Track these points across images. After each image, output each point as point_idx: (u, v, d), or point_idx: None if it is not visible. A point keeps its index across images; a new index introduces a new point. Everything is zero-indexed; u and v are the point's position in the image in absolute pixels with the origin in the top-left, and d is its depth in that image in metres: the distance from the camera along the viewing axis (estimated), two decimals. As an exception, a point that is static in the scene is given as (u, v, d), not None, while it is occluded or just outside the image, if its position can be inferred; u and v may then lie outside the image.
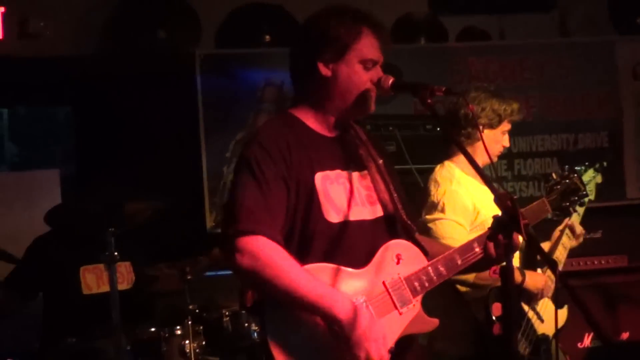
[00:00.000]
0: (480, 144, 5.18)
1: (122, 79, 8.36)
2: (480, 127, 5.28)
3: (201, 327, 6.61)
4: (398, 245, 3.74)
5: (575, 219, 5.63)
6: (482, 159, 5.23)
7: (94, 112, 8.74)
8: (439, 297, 4.79)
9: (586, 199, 5.55)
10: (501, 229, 3.20)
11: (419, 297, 3.72)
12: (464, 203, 5.03)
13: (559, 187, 4.94)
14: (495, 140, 5.38)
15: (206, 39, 8.83)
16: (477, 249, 3.75)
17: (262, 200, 3.55)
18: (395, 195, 3.87)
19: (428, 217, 5.13)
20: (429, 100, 3.48)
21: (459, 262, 3.79)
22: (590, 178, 5.58)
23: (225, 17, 8.82)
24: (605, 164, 5.86)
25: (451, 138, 5.38)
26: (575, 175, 5.05)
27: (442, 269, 3.75)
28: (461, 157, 5.20)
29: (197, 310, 6.79)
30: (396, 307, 3.61)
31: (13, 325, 7.28)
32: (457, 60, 8.77)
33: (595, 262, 8.06)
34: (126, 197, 6.65)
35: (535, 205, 4.84)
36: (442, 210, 5.09)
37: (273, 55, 8.45)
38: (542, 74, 8.91)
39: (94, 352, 6.33)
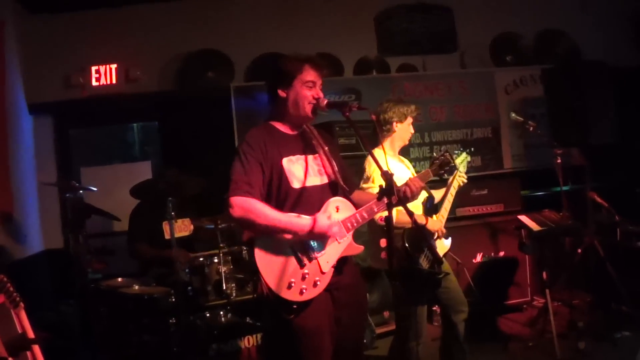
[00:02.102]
0: (396, 133, 6.45)
1: (188, 104, 9.94)
2: (395, 123, 6.37)
3: (229, 257, 7.74)
4: (337, 200, 4.66)
5: (462, 170, 6.68)
6: (399, 143, 6.53)
7: (172, 126, 10.31)
8: (372, 232, 6.69)
9: (458, 170, 6.61)
10: (384, 193, 4.18)
11: (351, 232, 4.64)
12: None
13: (437, 161, 5.77)
14: (404, 130, 6.47)
15: (238, 76, 10.37)
16: (386, 201, 4.29)
17: (245, 176, 4.45)
18: (337, 169, 4.76)
19: (364, 185, 6.12)
20: (347, 114, 4.49)
21: (375, 209, 4.65)
22: (464, 158, 6.74)
23: (250, 61, 10.39)
24: (472, 149, 6.97)
25: (377, 133, 6.32)
26: (447, 154, 5.84)
27: (365, 214, 4.64)
28: (385, 144, 6.40)
29: (225, 246, 7.80)
30: (336, 239, 4.57)
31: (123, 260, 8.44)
32: (396, 85, 10.50)
33: (483, 209, 9.47)
34: (183, 179, 7.74)
35: (424, 172, 5.72)
36: (372, 181, 6.12)
37: None
38: (450, 92, 10.72)
39: (170, 274, 7.52)
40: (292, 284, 4.41)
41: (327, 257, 4.57)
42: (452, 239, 6.77)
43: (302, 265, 4.47)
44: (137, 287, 7.37)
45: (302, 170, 4.69)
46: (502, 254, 9.40)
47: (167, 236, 7.44)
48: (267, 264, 4.41)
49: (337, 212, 4.66)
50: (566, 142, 8.93)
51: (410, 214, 4.45)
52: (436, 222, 6.43)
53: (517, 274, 9.34)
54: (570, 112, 9.12)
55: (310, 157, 4.79)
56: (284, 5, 10.62)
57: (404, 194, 4.86)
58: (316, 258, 4.54)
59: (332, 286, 4.60)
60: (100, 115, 10.37)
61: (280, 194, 4.60)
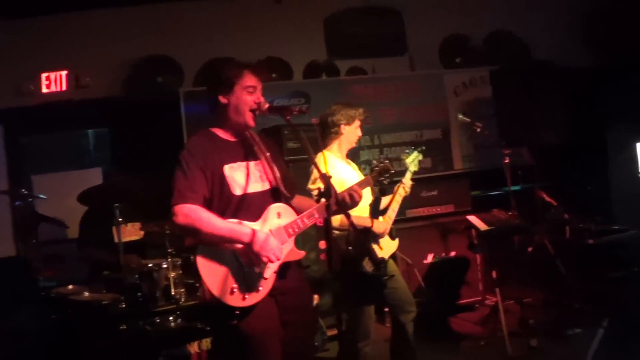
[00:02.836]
0: (344, 136, 6.38)
1: (137, 108, 9.70)
2: (342, 125, 6.32)
3: (179, 262, 7.45)
4: (279, 206, 4.59)
5: (407, 177, 6.63)
6: (346, 146, 6.47)
7: (122, 132, 10.06)
8: (319, 236, 6.68)
9: (408, 171, 6.64)
10: (322, 195, 4.28)
11: (293, 238, 4.57)
12: (334, 178, 5.05)
13: (377, 169, 5.72)
14: (352, 132, 6.42)
15: (188, 81, 10.18)
16: (325, 204, 4.45)
17: (187, 184, 4.37)
18: (278, 175, 4.68)
19: (311, 186, 5.97)
20: (288, 117, 4.45)
21: (316, 215, 4.57)
22: (415, 157, 6.75)
23: (199, 67, 10.14)
24: (424, 148, 6.97)
25: (322, 137, 6.38)
26: (387, 161, 5.80)
27: (306, 220, 4.58)
28: (333, 147, 6.38)
29: (174, 251, 7.43)
30: None
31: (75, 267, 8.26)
32: (346, 88, 10.32)
33: (433, 210, 9.44)
34: (131, 184, 7.67)
35: (364, 179, 5.67)
36: (314, 183, 5.98)
37: None
38: (399, 94, 10.59)
39: (119, 279, 7.30)
40: (235, 290, 4.33)
41: (279, 255, 4.47)
42: (402, 240, 6.69)
43: (244, 271, 4.39)
44: (87, 294, 7.21)
45: (243, 177, 4.61)
46: (453, 254, 9.38)
47: (116, 241, 7.40)
48: (210, 270, 4.34)
49: (278, 217, 4.60)
50: (515, 142, 8.83)
51: (347, 216, 4.44)
52: (382, 224, 6.35)
53: (469, 274, 9.23)
54: (519, 112, 9.07)
55: (251, 163, 4.69)
56: (233, 9, 10.46)
57: (343, 200, 4.70)
58: (258, 264, 4.44)
59: (276, 291, 4.54)
60: (51, 122, 10.08)
61: (222, 200, 4.51)
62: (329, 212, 4.29)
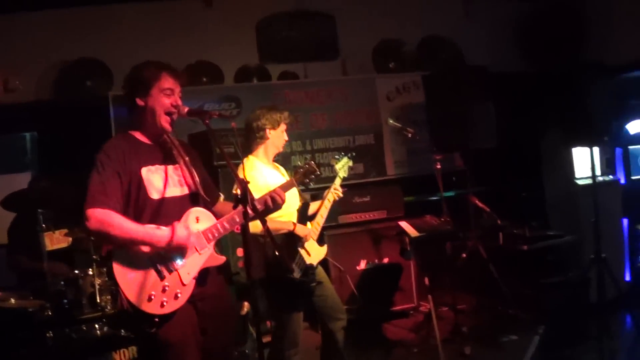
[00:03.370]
0: (270, 140, 6.25)
1: (66, 112, 9.36)
2: (268, 130, 6.20)
3: (104, 269, 7.17)
4: (197, 211, 4.52)
5: (337, 183, 6.49)
6: (272, 150, 6.33)
7: (50, 136, 9.68)
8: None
9: (338, 177, 6.52)
10: (240, 201, 4.13)
11: (212, 243, 4.51)
12: (259, 183, 5.76)
13: (301, 170, 5.53)
14: (278, 137, 6.30)
15: (117, 84, 9.45)
16: (258, 206, 4.52)
17: (102, 187, 4.21)
18: (197, 179, 4.61)
19: (234, 192, 5.61)
20: (207, 121, 4.32)
21: (237, 219, 4.50)
22: (345, 162, 6.65)
23: (128, 71, 9.75)
24: (354, 154, 6.85)
25: (248, 141, 6.28)
26: (312, 162, 5.59)
27: (226, 224, 4.52)
28: (259, 152, 6.27)
29: (99, 258, 7.32)
30: (197, 250, 4.41)
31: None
32: (277, 93, 10.10)
33: (366, 216, 9.27)
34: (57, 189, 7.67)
35: (287, 181, 5.51)
36: (237, 190, 5.39)
37: None
38: (331, 99, 10.36)
39: (46, 286, 7.21)
40: (153, 297, 4.21)
41: (188, 269, 4.40)
42: (335, 247, 7.06)
43: (162, 278, 4.28)
44: (13, 301, 7.11)
45: (161, 181, 4.50)
46: (386, 260, 9.22)
47: (47, 247, 7.38)
48: (126, 277, 4.21)
49: (197, 222, 4.51)
50: (447, 148, 8.90)
51: (262, 222, 4.26)
52: (304, 228, 6.22)
53: (402, 280, 9.16)
54: (451, 118, 8.90)
55: (170, 167, 4.59)
56: (164, 12, 10.21)
57: (265, 203, 4.78)
58: (176, 270, 4.35)
59: (195, 297, 4.45)
60: None
61: (138, 204, 4.39)
62: (246, 218, 4.13)
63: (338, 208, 8.81)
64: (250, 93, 10.01)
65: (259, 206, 4.62)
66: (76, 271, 7.43)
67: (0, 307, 6.99)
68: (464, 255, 8.35)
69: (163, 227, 4.28)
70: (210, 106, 9.63)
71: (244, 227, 4.13)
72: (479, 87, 9.10)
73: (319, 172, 5.56)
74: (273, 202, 4.79)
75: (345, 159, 6.71)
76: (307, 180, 5.55)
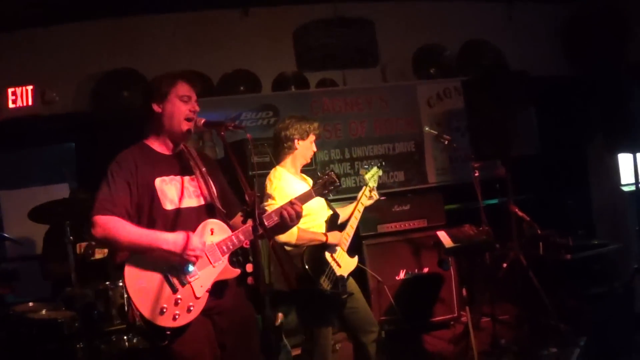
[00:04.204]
0: (298, 151, 6.11)
1: (104, 124, 9.31)
2: (296, 140, 6.06)
3: None
4: (212, 223, 4.42)
5: (367, 193, 6.38)
6: (300, 161, 6.20)
7: (88, 147, 9.63)
8: (270, 253, 6.54)
9: (367, 186, 6.39)
10: (249, 215, 4.00)
11: (227, 256, 4.40)
12: (287, 194, 5.59)
13: (320, 181, 5.18)
14: (306, 147, 6.16)
15: None
16: (275, 218, 4.52)
17: (109, 196, 4.21)
18: (214, 190, 4.56)
19: (265, 203, 5.79)
20: (223, 133, 4.28)
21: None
22: (374, 172, 6.53)
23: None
24: (383, 163, 6.81)
25: (276, 151, 6.19)
26: (332, 172, 5.25)
27: (241, 236, 4.41)
28: (287, 162, 6.15)
29: None
30: (210, 262, 4.32)
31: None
32: (315, 101, 9.92)
33: (406, 225, 8.80)
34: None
35: (305, 193, 5.09)
36: (274, 199, 5.78)
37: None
38: (371, 106, 10.11)
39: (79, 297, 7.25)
40: (165, 310, 4.15)
41: (201, 282, 4.30)
42: (373, 256, 7.07)
43: (174, 291, 4.21)
44: (44, 312, 7.10)
45: (175, 192, 4.46)
46: (426, 270, 8.82)
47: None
48: (138, 289, 4.15)
49: (211, 234, 4.41)
50: (487, 155, 8.59)
51: (269, 239, 4.24)
52: (336, 234, 6.06)
53: (443, 290, 8.78)
54: (490, 124, 8.65)
55: (186, 178, 4.55)
56: (200, 22, 10.10)
57: (281, 215, 4.60)
58: (189, 282, 4.27)
59: (211, 311, 4.38)
60: (17, 138, 9.77)
61: (151, 215, 4.35)
62: (255, 234, 3.95)
63: (377, 217, 8.65)
64: (287, 101, 9.83)
65: (275, 218, 4.56)
66: (107, 282, 7.29)
67: (31, 318, 6.98)
68: (505, 265, 8.03)
69: (171, 234, 4.21)
70: (247, 115, 9.54)
71: (253, 242, 4.03)
72: (520, 93, 8.77)
73: (339, 183, 5.29)
74: (289, 214, 4.59)
75: (374, 169, 6.57)
76: (327, 191, 5.26)
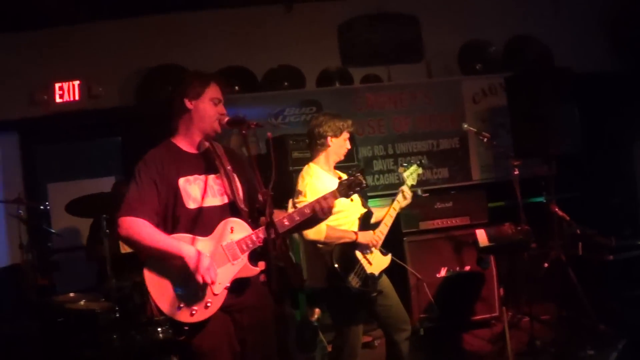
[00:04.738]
0: (331, 148, 6.06)
1: (149, 119, 8.77)
2: (329, 137, 6.01)
3: None
4: (232, 221, 4.42)
5: (405, 189, 6.22)
6: (334, 158, 6.11)
7: (133, 141, 9.44)
8: (306, 251, 6.55)
9: (406, 184, 6.23)
10: (261, 214, 4.20)
11: (247, 254, 4.38)
12: (318, 190, 5.50)
13: (345, 182, 4.94)
14: (340, 145, 6.09)
15: None
16: (307, 211, 4.51)
17: (137, 195, 4.28)
18: (238, 188, 4.55)
19: (296, 200, 5.85)
20: (244, 132, 4.28)
21: (287, 223, 4.48)
22: (413, 170, 6.39)
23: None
24: (423, 161, 6.59)
25: (309, 147, 6.19)
26: (359, 174, 4.99)
27: (261, 235, 4.36)
28: (320, 159, 6.10)
29: None
30: (229, 260, 4.33)
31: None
32: (358, 96, 9.87)
33: (448, 222, 8.65)
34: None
35: (331, 192, 4.83)
36: (305, 196, 5.76)
37: (239, 99, 9.43)
38: (414, 102, 10.04)
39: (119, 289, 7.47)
40: (182, 306, 4.20)
41: (220, 279, 4.28)
42: (415, 254, 7.06)
43: (192, 286, 4.20)
44: (82, 302, 7.36)
45: (199, 190, 4.46)
46: (467, 268, 8.66)
47: (122, 250, 7.46)
48: (157, 285, 4.22)
49: (231, 233, 4.41)
50: (529, 153, 8.41)
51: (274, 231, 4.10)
52: (368, 234, 5.98)
53: (484, 289, 8.61)
54: (533, 121, 8.45)
55: (211, 176, 4.54)
56: (244, 18, 10.16)
57: (313, 209, 4.60)
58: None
59: (232, 307, 4.39)
60: (64, 132, 10.00)
61: (175, 214, 4.37)
62: (268, 231, 4.02)
63: (419, 214, 8.53)
64: (331, 97, 9.83)
65: (307, 210, 4.55)
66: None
67: (69, 308, 7.24)
68: (546, 264, 7.91)
69: (199, 237, 4.29)
70: (290, 111, 9.57)
71: (266, 240, 4.05)
72: (563, 89, 8.56)
73: (365, 184, 5.07)
74: (322, 207, 4.60)
75: (414, 167, 6.44)
76: (352, 192, 5.06)
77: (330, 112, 6.44)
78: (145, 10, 9.81)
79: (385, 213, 6.22)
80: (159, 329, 7.22)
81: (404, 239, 8.43)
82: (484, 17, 10.61)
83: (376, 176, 8.22)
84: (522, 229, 7.44)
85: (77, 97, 9.86)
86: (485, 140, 7.59)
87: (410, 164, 6.49)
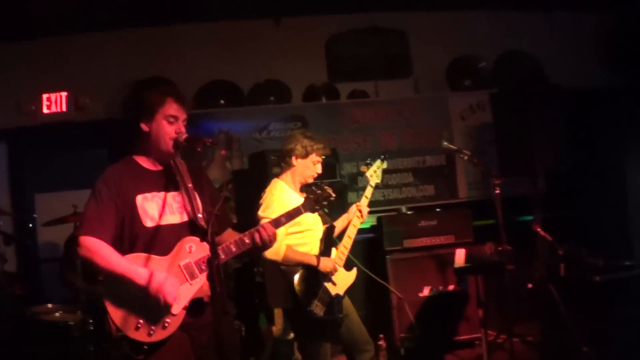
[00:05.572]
0: (296, 169, 5.88)
1: (135, 131, 9.47)
2: (294, 157, 5.84)
3: None
4: (191, 240, 4.31)
5: (368, 193, 6.21)
6: (298, 179, 5.91)
7: (120, 153, 9.58)
8: (268, 270, 6.31)
9: (369, 189, 6.23)
10: (204, 234, 4.05)
11: (205, 274, 4.22)
12: (282, 207, 5.20)
13: (312, 196, 4.86)
14: (306, 166, 5.88)
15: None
16: (247, 241, 4.35)
17: (97, 214, 4.19)
18: (198, 206, 4.43)
19: (259, 213, 5.63)
20: (199, 149, 4.14)
21: (234, 249, 4.36)
22: (377, 165, 6.35)
23: (196, 90, 9.72)
24: (387, 155, 6.50)
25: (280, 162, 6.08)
26: (326, 187, 4.94)
27: (221, 254, 4.26)
28: (286, 176, 5.95)
29: None
30: (187, 280, 4.23)
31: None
32: (344, 112, 9.73)
33: (432, 240, 8.47)
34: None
35: (294, 209, 4.75)
36: (264, 211, 5.62)
37: (225, 113, 9.47)
38: (401, 118, 9.89)
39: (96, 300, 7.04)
40: (140, 325, 4.10)
41: (178, 299, 4.19)
42: (398, 272, 7.02)
43: (150, 306, 4.11)
44: (58, 314, 7.29)
45: (156, 208, 4.35)
46: (451, 287, 8.51)
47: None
48: (115, 303, 4.12)
49: (189, 252, 4.30)
50: (515, 171, 8.30)
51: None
52: (328, 261, 5.78)
53: (468, 309, 8.47)
54: (518, 138, 8.27)
55: (171, 194, 4.43)
56: (232, 31, 10.04)
57: (252, 238, 4.41)
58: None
59: (189, 326, 4.29)
60: (52, 142, 9.89)
61: (132, 232, 4.28)
62: (212, 253, 3.88)
63: (403, 232, 8.42)
64: (316, 112, 9.74)
65: (247, 240, 4.37)
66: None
67: (43, 320, 7.15)
68: (530, 285, 7.73)
69: (155, 257, 4.19)
70: (275, 125, 9.47)
71: (211, 261, 3.89)
72: (551, 106, 8.36)
73: (333, 197, 4.97)
74: (262, 238, 4.40)
75: (377, 162, 6.38)
76: (319, 207, 4.96)
77: (307, 132, 6.22)
78: (133, 23, 9.75)
79: (347, 224, 6.10)
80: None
81: (387, 256, 8.30)
82: (474, 33, 10.45)
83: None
84: (503, 249, 7.27)
85: (64, 109, 9.82)
86: (465, 158, 7.41)
87: (373, 160, 6.38)
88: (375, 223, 8.69)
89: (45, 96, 9.80)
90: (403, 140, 9.93)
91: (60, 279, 8.09)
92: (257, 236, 4.41)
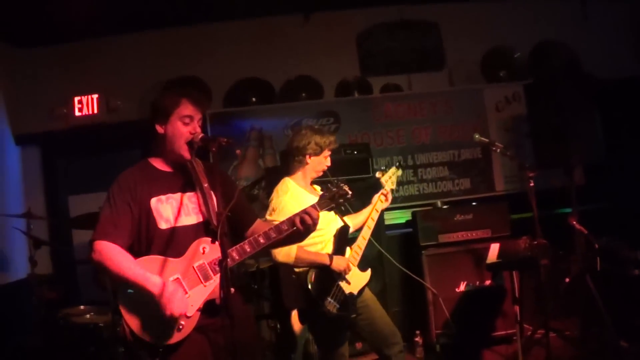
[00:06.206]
0: (309, 166, 5.83)
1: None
2: (308, 155, 5.79)
3: None
4: (205, 241, 4.30)
5: (389, 189, 6.19)
6: (311, 174, 5.88)
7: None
8: (283, 272, 6.36)
9: (385, 188, 6.16)
10: (215, 235, 3.96)
11: (219, 275, 4.16)
12: (290, 210, 5.20)
13: (327, 194, 4.68)
14: (318, 162, 5.85)
15: (216, 102, 9.76)
16: (261, 240, 4.32)
17: (111, 218, 4.20)
18: (214, 206, 4.37)
19: (268, 217, 5.57)
20: (214, 149, 4.08)
21: (248, 249, 4.35)
22: (392, 173, 6.30)
23: (228, 88, 9.74)
24: (402, 161, 6.72)
25: (287, 160, 6.02)
26: (344, 185, 4.72)
27: (235, 255, 4.32)
28: (296, 175, 5.88)
29: None
30: (201, 282, 4.23)
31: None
32: (377, 106, 9.60)
33: (468, 235, 8.38)
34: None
35: (308, 207, 4.55)
36: (271, 214, 5.59)
37: (256, 111, 9.43)
38: (435, 111, 9.74)
39: None
40: (154, 328, 4.11)
41: (192, 301, 4.20)
42: (433, 268, 6.90)
43: (163, 312, 4.06)
44: (88, 316, 7.36)
45: (171, 210, 4.35)
46: (488, 282, 8.37)
47: None
48: (130, 307, 4.14)
49: (203, 253, 4.29)
50: (549, 163, 8.20)
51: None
52: (342, 260, 5.74)
53: (506, 304, 8.29)
54: (553, 130, 8.15)
55: (187, 195, 4.43)
56: (262, 28, 9.96)
57: (292, 224, 4.45)
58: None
59: (206, 328, 4.27)
60: (84, 145, 9.96)
61: (148, 234, 4.29)
62: (223, 255, 3.85)
63: (438, 227, 8.30)
64: (349, 107, 9.62)
65: (284, 227, 4.41)
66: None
67: (73, 321, 7.19)
68: (567, 279, 7.61)
69: (170, 259, 4.20)
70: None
71: (222, 262, 3.86)
72: (586, 96, 8.23)
73: (350, 194, 4.79)
74: (302, 224, 4.42)
75: (392, 169, 6.32)
76: (335, 205, 4.80)
77: (313, 126, 6.35)
78: (163, 24, 9.75)
79: (362, 222, 6.09)
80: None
81: (422, 252, 8.20)
82: (509, 23, 10.21)
83: (396, 187, 7.94)
84: (538, 243, 7.02)
85: (96, 111, 9.81)
86: (498, 150, 7.22)
87: (388, 167, 6.34)
88: (410, 218, 8.62)
89: (76, 99, 9.80)
90: (437, 133, 9.77)
91: (94, 280, 8.04)
92: (298, 220, 4.40)
